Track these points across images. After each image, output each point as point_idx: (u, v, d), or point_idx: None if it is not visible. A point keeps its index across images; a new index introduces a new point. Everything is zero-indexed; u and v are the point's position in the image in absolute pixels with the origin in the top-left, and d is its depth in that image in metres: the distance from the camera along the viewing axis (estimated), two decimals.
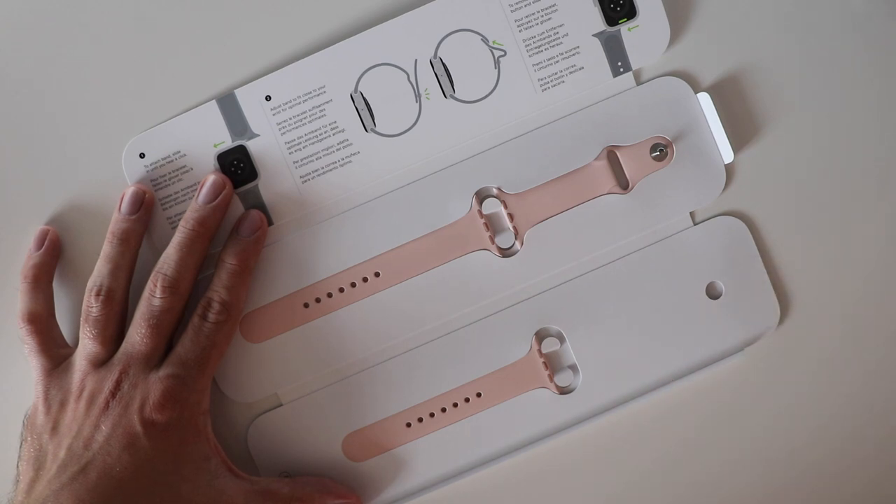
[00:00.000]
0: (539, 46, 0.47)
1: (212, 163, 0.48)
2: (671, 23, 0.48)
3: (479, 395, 0.49)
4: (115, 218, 0.47)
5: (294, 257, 0.48)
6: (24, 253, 0.48)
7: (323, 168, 0.48)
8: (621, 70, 0.48)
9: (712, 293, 0.49)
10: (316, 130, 0.48)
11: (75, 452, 0.43)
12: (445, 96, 0.48)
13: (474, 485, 0.49)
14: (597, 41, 0.48)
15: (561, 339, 0.49)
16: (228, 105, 0.47)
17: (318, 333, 0.48)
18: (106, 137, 0.48)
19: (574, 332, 0.48)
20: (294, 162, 0.48)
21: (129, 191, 0.47)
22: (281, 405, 0.49)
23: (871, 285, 0.49)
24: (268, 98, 0.47)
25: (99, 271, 0.46)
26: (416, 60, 0.47)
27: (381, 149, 0.48)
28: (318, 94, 0.47)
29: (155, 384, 0.44)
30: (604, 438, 0.49)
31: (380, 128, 0.48)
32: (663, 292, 0.48)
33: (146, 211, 0.47)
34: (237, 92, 0.47)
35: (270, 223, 0.48)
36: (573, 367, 0.49)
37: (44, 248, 0.47)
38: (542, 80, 0.48)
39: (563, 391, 0.49)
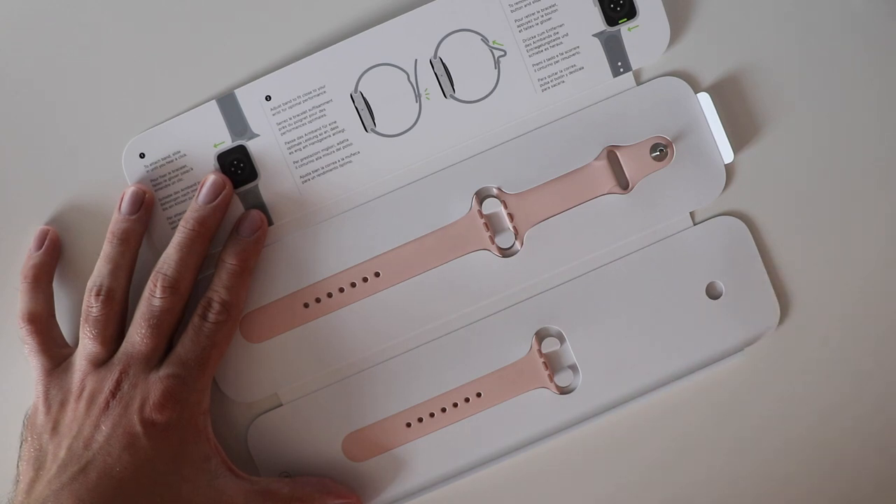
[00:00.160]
0: (539, 46, 0.47)
1: (212, 163, 0.48)
2: (671, 23, 0.48)
3: (479, 395, 0.49)
4: (115, 218, 0.47)
5: (294, 257, 0.48)
6: (24, 253, 0.48)
7: (323, 168, 0.48)
8: (621, 70, 0.48)
9: (712, 293, 0.49)
10: (316, 130, 0.48)
11: (75, 452, 0.43)
12: (445, 96, 0.48)
13: (474, 485, 0.49)
14: (597, 41, 0.48)
15: (561, 339, 0.49)
16: (228, 105, 0.47)
17: (318, 333, 0.48)
18: (106, 137, 0.48)
19: (574, 332, 0.48)
20: (294, 162, 0.48)
21: (129, 191, 0.47)
22: (281, 405, 0.49)
23: (871, 285, 0.49)
24: (268, 98, 0.47)
25: (99, 271, 0.46)
26: (416, 60, 0.47)
27: (381, 149, 0.48)
28: (318, 94, 0.47)
29: (155, 384, 0.44)
30: (604, 438, 0.49)
31: (380, 128, 0.48)
32: (663, 292, 0.48)
33: (146, 211, 0.47)
34: (237, 92, 0.47)
35: (270, 223, 0.48)
36: (573, 367, 0.49)
37: (44, 248, 0.47)
38: (542, 80, 0.48)
39: (563, 391, 0.49)
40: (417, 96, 0.48)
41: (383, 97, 0.48)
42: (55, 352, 0.46)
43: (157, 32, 0.48)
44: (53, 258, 0.48)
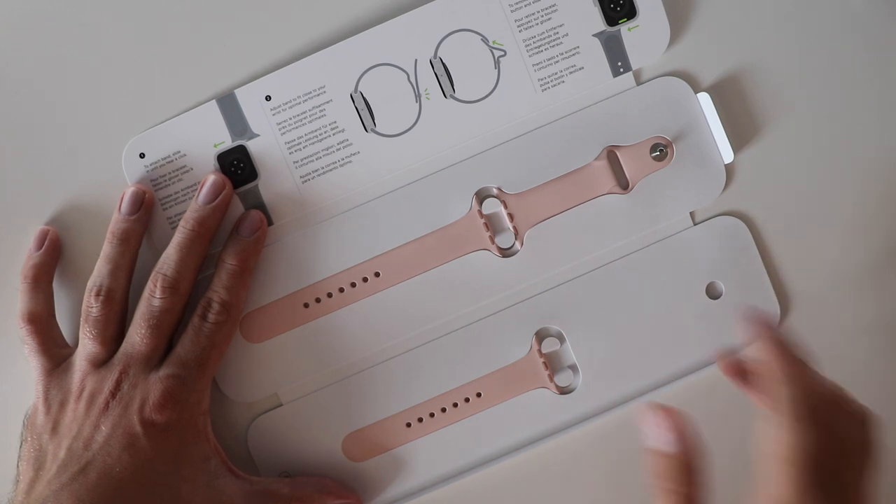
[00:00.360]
0: (539, 46, 0.47)
1: (212, 163, 0.48)
2: (671, 23, 0.48)
3: (479, 395, 0.49)
4: (115, 218, 0.47)
5: (294, 257, 0.48)
6: (24, 253, 0.48)
7: (323, 168, 0.48)
8: (621, 70, 0.48)
9: (712, 293, 0.49)
10: (316, 130, 0.48)
11: (75, 452, 0.43)
12: (445, 96, 0.48)
13: (474, 485, 0.49)
14: (597, 41, 0.48)
15: (561, 339, 0.49)
16: (228, 105, 0.47)
17: (317, 333, 0.48)
18: (106, 137, 0.48)
19: (574, 332, 0.48)
20: (294, 162, 0.48)
21: (129, 191, 0.47)
22: (281, 405, 0.49)
23: (871, 285, 0.49)
24: (268, 98, 0.47)
25: (99, 271, 0.46)
26: (416, 60, 0.47)
27: (381, 149, 0.48)
28: (318, 94, 0.47)
29: (155, 384, 0.44)
30: (604, 438, 0.49)
31: (380, 128, 0.48)
32: (663, 292, 0.48)
33: (146, 211, 0.47)
34: (237, 92, 0.47)
35: (270, 223, 0.48)
36: (573, 367, 0.49)
37: (44, 248, 0.47)
38: (542, 80, 0.48)
39: (563, 391, 0.49)
40: (417, 96, 0.48)
41: (383, 97, 0.48)
42: (55, 352, 0.46)
43: (157, 32, 0.48)
44: (53, 258, 0.48)
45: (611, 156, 0.48)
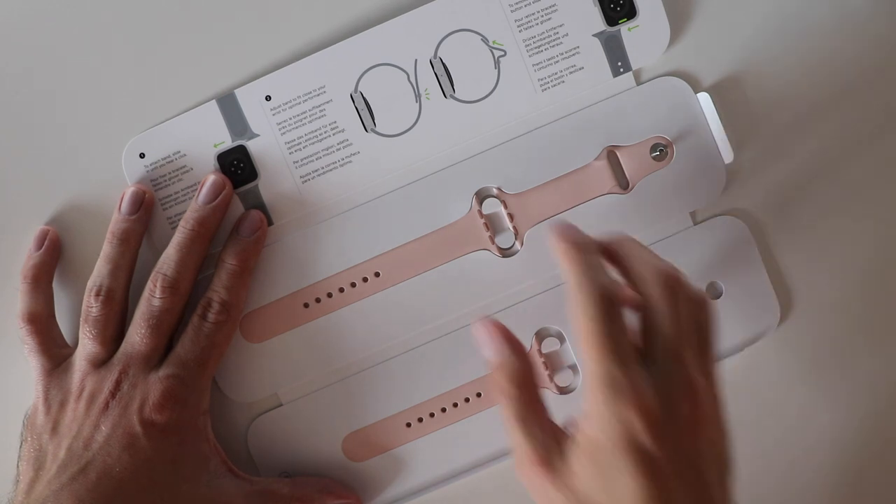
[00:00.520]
0: (539, 46, 0.47)
1: (212, 163, 0.48)
2: (671, 23, 0.48)
3: (479, 395, 0.49)
4: (115, 218, 0.47)
5: (294, 257, 0.48)
6: (24, 253, 0.48)
7: (323, 168, 0.48)
8: (621, 70, 0.48)
9: (712, 293, 0.49)
10: (316, 130, 0.48)
11: (75, 452, 0.43)
12: (445, 96, 0.48)
13: (474, 485, 0.49)
14: (597, 41, 0.48)
15: (561, 339, 0.49)
16: (228, 105, 0.47)
17: (318, 333, 0.48)
18: (106, 137, 0.48)
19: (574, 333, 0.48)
20: (294, 162, 0.48)
21: (129, 191, 0.47)
22: (281, 405, 0.49)
23: (871, 285, 0.49)
24: (268, 98, 0.47)
25: (99, 271, 0.46)
26: (416, 60, 0.47)
27: (381, 149, 0.48)
28: (318, 94, 0.47)
29: (155, 384, 0.44)
30: None
31: (380, 128, 0.48)
32: None
33: (146, 211, 0.47)
34: (237, 92, 0.47)
35: (270, 223, 0.48)
36: (573, 367, 0.49)
37: (44, 248, 0.47)
38: (542, 80, 0.48)
39: (563, 391, 0.49)
40: (417, 96, 0.48)
41: (383, 97, 0.48)
42: (55, 352, 0.46)
43: (157, 32, 0.48)
44: (53, 258, 0.48)
45: (611, 156, 0.48)
